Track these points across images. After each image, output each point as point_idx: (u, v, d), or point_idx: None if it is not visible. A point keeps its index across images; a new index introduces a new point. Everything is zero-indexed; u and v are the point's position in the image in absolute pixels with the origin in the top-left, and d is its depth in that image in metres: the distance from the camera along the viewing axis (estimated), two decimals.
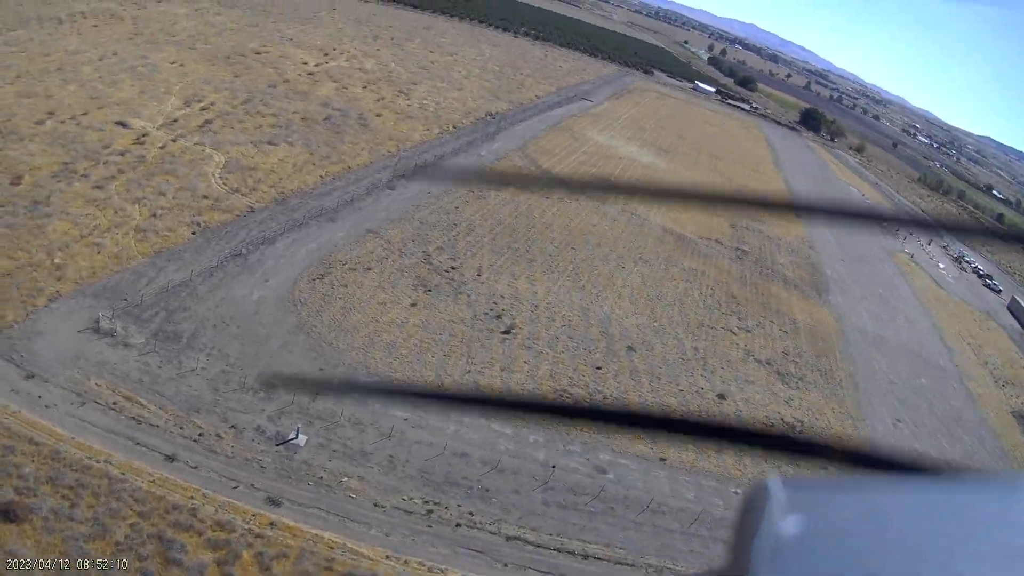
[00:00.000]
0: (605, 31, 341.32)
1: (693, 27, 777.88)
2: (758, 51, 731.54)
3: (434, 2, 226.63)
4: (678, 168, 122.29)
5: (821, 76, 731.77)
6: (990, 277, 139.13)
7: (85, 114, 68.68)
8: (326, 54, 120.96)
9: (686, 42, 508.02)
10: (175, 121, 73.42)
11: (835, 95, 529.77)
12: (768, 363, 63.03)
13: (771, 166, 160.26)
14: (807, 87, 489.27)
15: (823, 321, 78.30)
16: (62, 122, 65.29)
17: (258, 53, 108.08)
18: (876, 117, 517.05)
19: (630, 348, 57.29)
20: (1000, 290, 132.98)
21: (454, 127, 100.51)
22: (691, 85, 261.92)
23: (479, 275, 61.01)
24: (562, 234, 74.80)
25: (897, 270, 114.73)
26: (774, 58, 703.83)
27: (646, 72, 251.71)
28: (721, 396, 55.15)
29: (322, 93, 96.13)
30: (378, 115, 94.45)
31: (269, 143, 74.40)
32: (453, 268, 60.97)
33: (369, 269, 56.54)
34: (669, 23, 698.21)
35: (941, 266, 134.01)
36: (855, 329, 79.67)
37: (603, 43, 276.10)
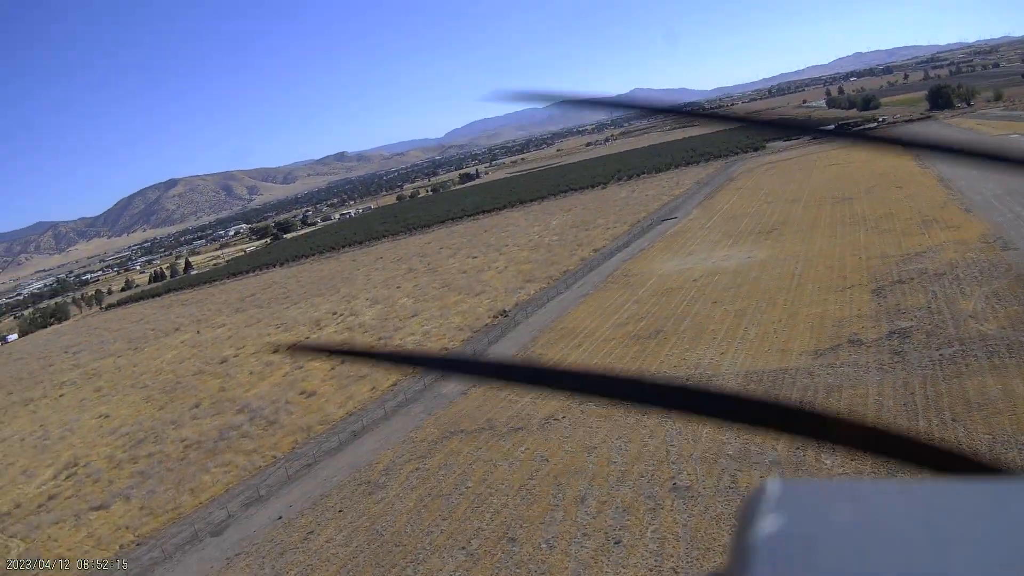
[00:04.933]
0: (713, 134, 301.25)
1: (807, 86, 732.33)
2: (871, 72, 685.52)
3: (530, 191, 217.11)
4: (786, 245, 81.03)
5: (932, 61, 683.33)
6: None
7: None
8: (334, 313, 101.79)
9: (804, 101, 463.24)
10: (18, 507, 58.88)
11: (951, 69, 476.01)
12: None
13: (917, 171, 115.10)
14: (925, 78, 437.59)
15: None
16: None
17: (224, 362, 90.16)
18: (996, 64, 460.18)
19: None
20: None
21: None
22: (808, 137, 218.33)
23: None
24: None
25: None
26: (888, 70, 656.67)
27: (756, 150, 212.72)
28: None
29: (255, 392, 72.07)
30: (310, 395, 66.58)
31: (99, 507, 53.34)
32: None
33: None
34: (785, 94, 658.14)
35: None
36: None
37: (708, 146, 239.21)
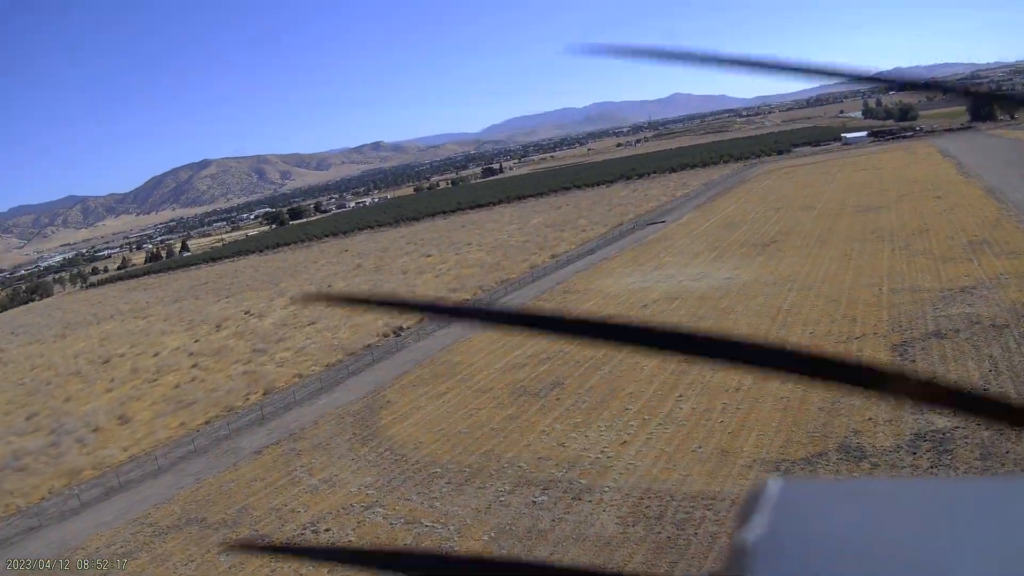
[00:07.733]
0: (743, 139, 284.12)
1: (845, 98, 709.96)
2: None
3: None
4: (782, 264, 61.08)
5: (972, 78, 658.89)
6: None
7: None
8: (246, 313, 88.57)
9: (841, 111, 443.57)
10: None
11: (992, 87, 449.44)
12: None
13: (958, 179, 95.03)
14: (966, 93, 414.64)
15: None
16: None
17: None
18: None
19: None
20: None
21: (264, 393, 50.60)
22: (838, 143, 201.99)
23: None
24: None
25: None
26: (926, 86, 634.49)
27: (780, 153, 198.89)
28: None
29: (88, 407, 58.26)
30: (125, 422, 52.05)
31: None
32: None
33: None
34: (823, 104, 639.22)
35: None
36: None
37: (732, 149, 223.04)
